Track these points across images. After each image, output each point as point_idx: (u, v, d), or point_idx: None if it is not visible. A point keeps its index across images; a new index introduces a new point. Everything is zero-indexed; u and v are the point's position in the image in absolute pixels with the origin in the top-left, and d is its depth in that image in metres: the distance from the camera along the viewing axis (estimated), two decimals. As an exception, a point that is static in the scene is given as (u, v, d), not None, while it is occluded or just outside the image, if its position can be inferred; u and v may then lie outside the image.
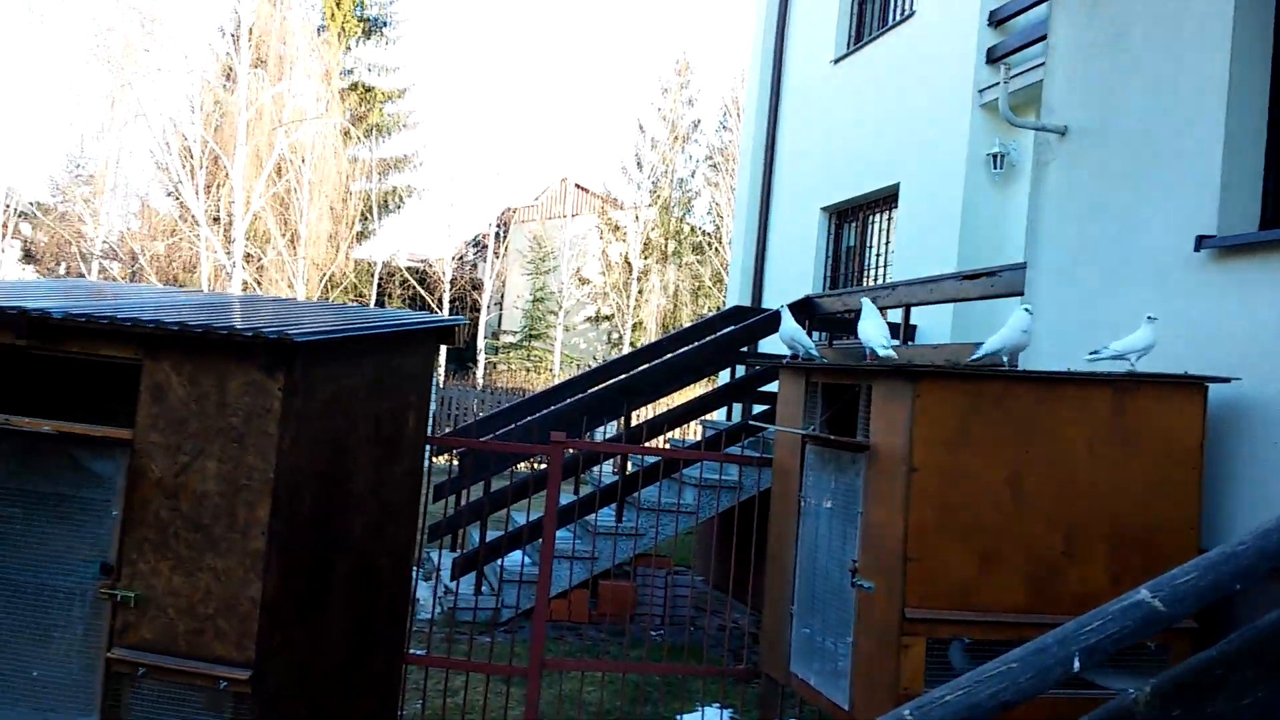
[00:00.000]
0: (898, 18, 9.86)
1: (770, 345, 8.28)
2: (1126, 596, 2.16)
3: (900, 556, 3.77)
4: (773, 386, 7.84)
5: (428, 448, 4.96)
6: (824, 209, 10.75)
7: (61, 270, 25.27)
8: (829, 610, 4.32)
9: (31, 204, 27.05)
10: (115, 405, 3.82)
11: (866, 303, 4.98)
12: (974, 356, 4.49)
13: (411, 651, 4.99)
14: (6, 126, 25.11)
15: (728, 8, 55.39)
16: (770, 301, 11.23)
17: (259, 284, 22.77)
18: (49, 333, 3.54)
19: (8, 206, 25.43)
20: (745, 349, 8.06)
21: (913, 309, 7.48)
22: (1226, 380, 3.88)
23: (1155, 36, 4.55)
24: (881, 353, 4.40)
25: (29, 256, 28.85)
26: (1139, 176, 4.57)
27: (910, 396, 3.80)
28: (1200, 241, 4.12)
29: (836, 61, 10.75)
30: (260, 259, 23.07)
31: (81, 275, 23.40)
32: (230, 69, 22.30)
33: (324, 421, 3.82)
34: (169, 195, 23.83)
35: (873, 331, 4.61)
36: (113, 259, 23.98)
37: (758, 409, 8.19)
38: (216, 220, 21.68)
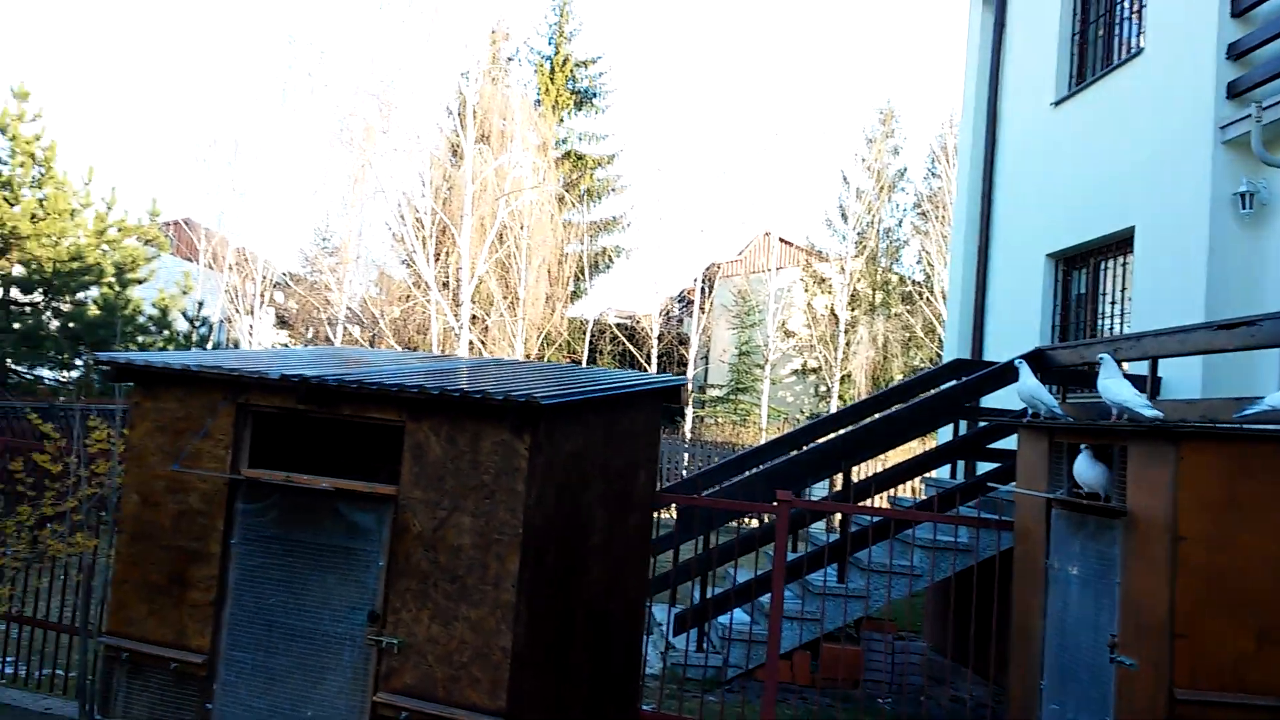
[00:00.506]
0: (1123, 56, 9.39)
1: (996, 400, 7.94)
2: None
3: (1167, 632, 3.50)
4: (1004, 444, 7.51)
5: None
6: (1050, 255, 10.26)
7: (310, 334, 27.65)
8: (1083, 687, 4.05)
9: (285, 274, 29.87)
10: (367, 463, 4.13)
11: (1108, 358, 4.70)
12: (1244, 413, 4.14)
13: (642, 707, 5.06)
14: (265, 206, 27.89)
15: (932, 53, 54.28)
16: (992, 354, 10.78)
17: (483, 344, 24.06)
18: (325, 398, 3.90)
19: (265, 277, 28.20)
20: (969, 405, 7.76)
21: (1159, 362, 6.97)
22: None
23: None
24: (1147, 413, 4.11)
25: (282, 322, 31.78)
26: None
27: (1173, 459, 3.54)
28: None
29: (1057, 104, 10.33)
30: (484, 320, 24.40)
31: (329, 339, 25.55)
32: (456, 145, 23.92)
33: (564, 479, 3.99)
34: (403, 263, 25.69)
35: (1125, 390, 4.33)
36: (355, 323, 26.07)
37: (982, 467, 7.84)
38: (445, 285, 23.16)
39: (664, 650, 6.42)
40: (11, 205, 14.96)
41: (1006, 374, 7.12)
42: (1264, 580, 3.50)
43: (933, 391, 8.19)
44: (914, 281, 30.87)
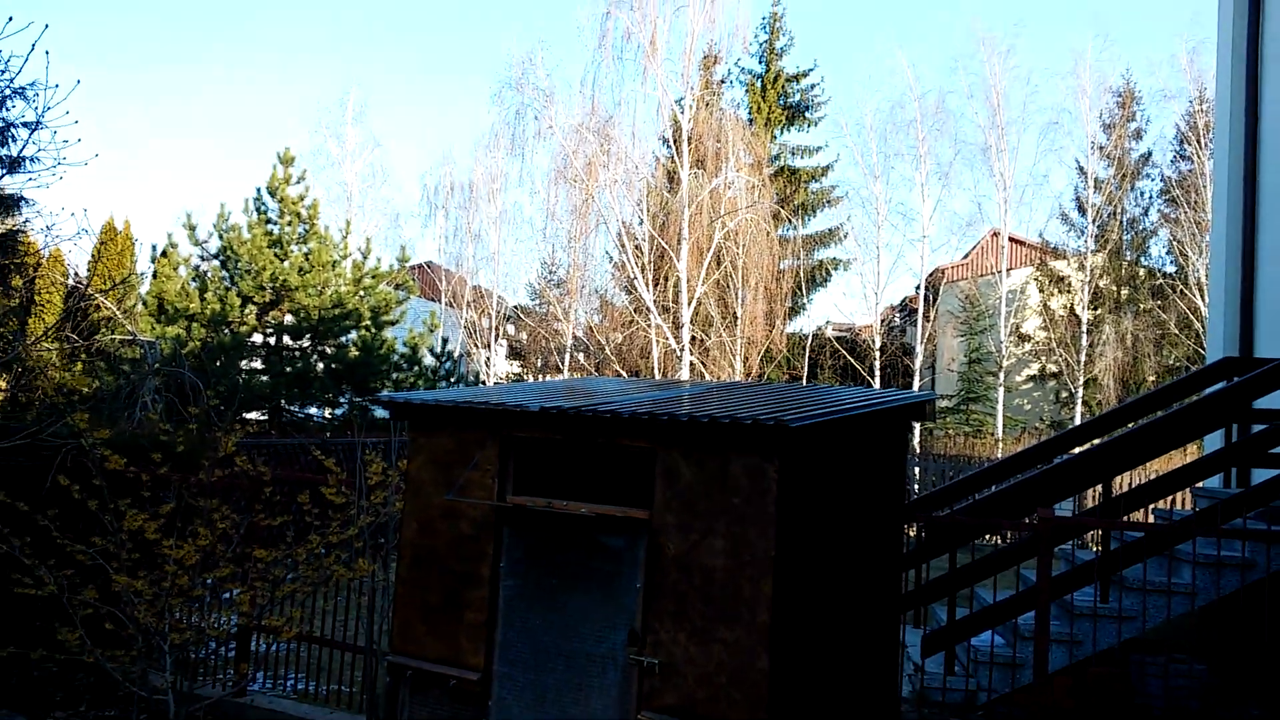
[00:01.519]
0: None
1: (1273, 400, 7.21)
2: None
3: None
4: (1289, 449, 6.81)
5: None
6: (1330, 238, 9.23)
7: (540, 364, 28.97)
8: None
9: (515, 308, 31.49)
10: (617, 490, 4.28)
11: None
12: None
13: (899, 731, 4.94)
14: (498, 248, 29.55)
15: (1174, 26, 50.21)
16: (1265, 349, 9.77)
17: (704, 364, 24.36)
18: (581, 427, 4.10)
19: (498, 312, 29.85)
20: (1246, 407, 7.09)
21: None
22: None
23: None
24: None
25: (514, 353, 33.49)
26: None
27: None
28: None
29: (1332, 67, 9.30)
30: (704, 341, 24.71)
31: (558, 367, 26.68)
32: (673, 172, 24.43)
33: (814, 500, 3.98)
34: (624, 290, 26.46)
35: None
36: (581, 350, 27.10)
37: (1258, 475, 7.13)
38: (665, 309, 23.66)
39: (913, 673, 6.24)
40: (282, 260, 16.67)
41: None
42: None
43: (1200, 394, 7.54)
44: (1164, 274, 28.50)
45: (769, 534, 3.67)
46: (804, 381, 27.41)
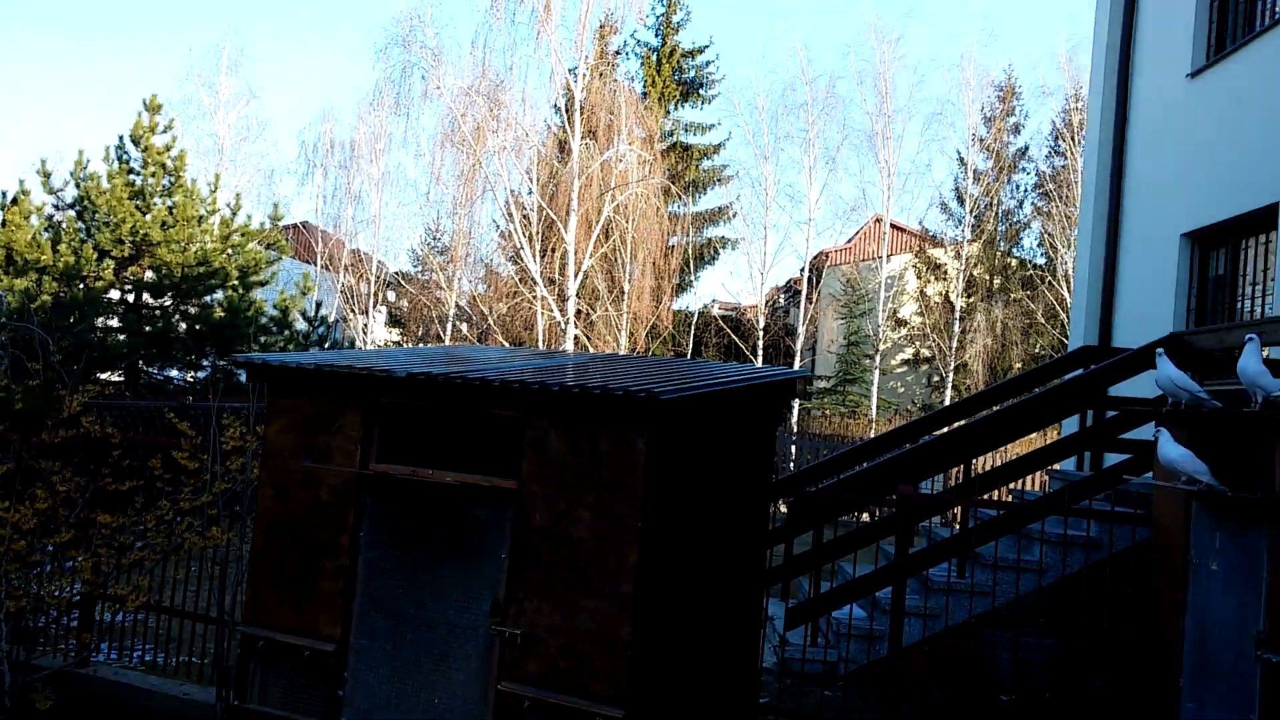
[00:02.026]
0: (1269, 21, 8.84)
1: (1126, 388, 7.59)
2: None
3: (1325, 632, 3.29)
4: (1136, 434, 7.17)
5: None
6: (1184, 235, 9.76)
7: (421, 332, 28.40)
8: (1227, 685, 3.84)
9: (396, 274, 30.73)
10: (487, 459, 4.19)
11: (1254, 340, 4.43)
12: None
13: (759, 700, 5.01)
14: (378, 207, 28.74)
15: (1054, 25, 52.32)
16: (1122, 339, 10.31)
17: (589, 338, 24.29)
18: (449, 394, 3.98)
19: (378, 277, 29.08)
20: (1098, 394, 7.44)
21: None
22: None
23: None
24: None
25: (395, 321, 32.73)
26: None
27: (1332, 449, 3.32)
28: None
29: (1194, 75, 9.80)
30: (590, 315, 24.62)
31: (439, 336, 26.18)
32: (564, 142, 24.17)
33: (683, 473, 3.97)
34: (510, 260, 26.12)
35: (1266, 376, 4.08)
36: (464, 320, 26.66)
37: (1109, 459, 7.51)
38: (552, 281, 23.46)
39: (777, 644, 6.35)
40: (144, 213, 15.78)
41: (1141, 361, 6.80)
42: None
43: (1059, 380, 7.89)
44: (1035, 265, 29.77)
45: (636, 506, 3.64)
46: (689, 358, 27.67)
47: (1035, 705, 6.01)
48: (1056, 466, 8.80)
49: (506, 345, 22.43)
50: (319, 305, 18.63)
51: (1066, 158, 28.03)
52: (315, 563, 4.10)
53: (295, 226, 29.69)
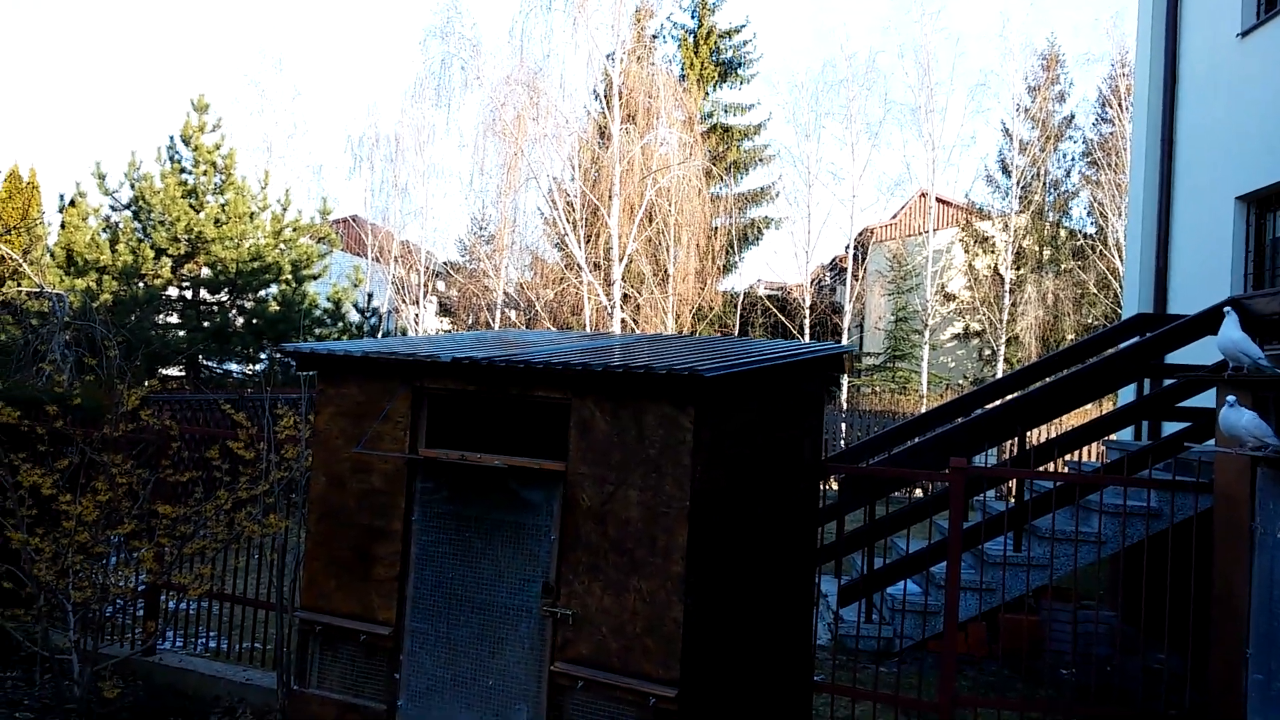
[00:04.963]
0: (1322, -26, 8.52)
1: (1181, 356, 7.41)
2: None
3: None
4: (1195, 401, 7.00)
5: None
6: (1240, 198, 9.47)
7: (470, 320, 28.61)
8: (1297, 658, 3.74)
9: (445, 264, 30.98)
10: (538, 441, 4.21)
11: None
12: None
13: (814, 678, 4.99)
14: (426, 199, 28.98)
15: (1096, -8, 50.97)
16: (1177, 306, 10.05)
17: (635, 322, 24.29)
18: (495, 378, 4.00)
19: (427, 268, 29.33)
20: (1155, 362, 7.27)
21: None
22: None
23: None
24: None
25: (444, 310, 33.01)
26: None
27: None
28: None
29: (1244, 34, 9.49)
30: (636, 298, 24.62)
31: (488, 323, 26.37)
32: (604, 127, 24.13)
33: (729, 450, 3.95)
34: (556, 246, 26.18)
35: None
36: (512, 307, 26.81)
37: (1169, 428, 7.34)
38: (597, 266, 23.48)
39: (831, 622, 6.32)
40: (197, 211, 16.09)
41: (1203, 326, 6.62)
42: None
43: (1114, 349, 7.72)
44: (1085, 235, 29.13)
45: (684, 484, 3.63)
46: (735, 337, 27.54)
47: (1097, 679, 5.90)
48: (1113, 437, 8.63)
49: (554, 330, 22.54)
50: (370, 296, 18.87)
51: (1114, 124, 27.35)
52: (369, 548, 4.16)
53: (344, 220, 30.07)
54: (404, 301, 28.57)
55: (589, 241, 23.46)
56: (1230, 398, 4.08)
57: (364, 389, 4.31)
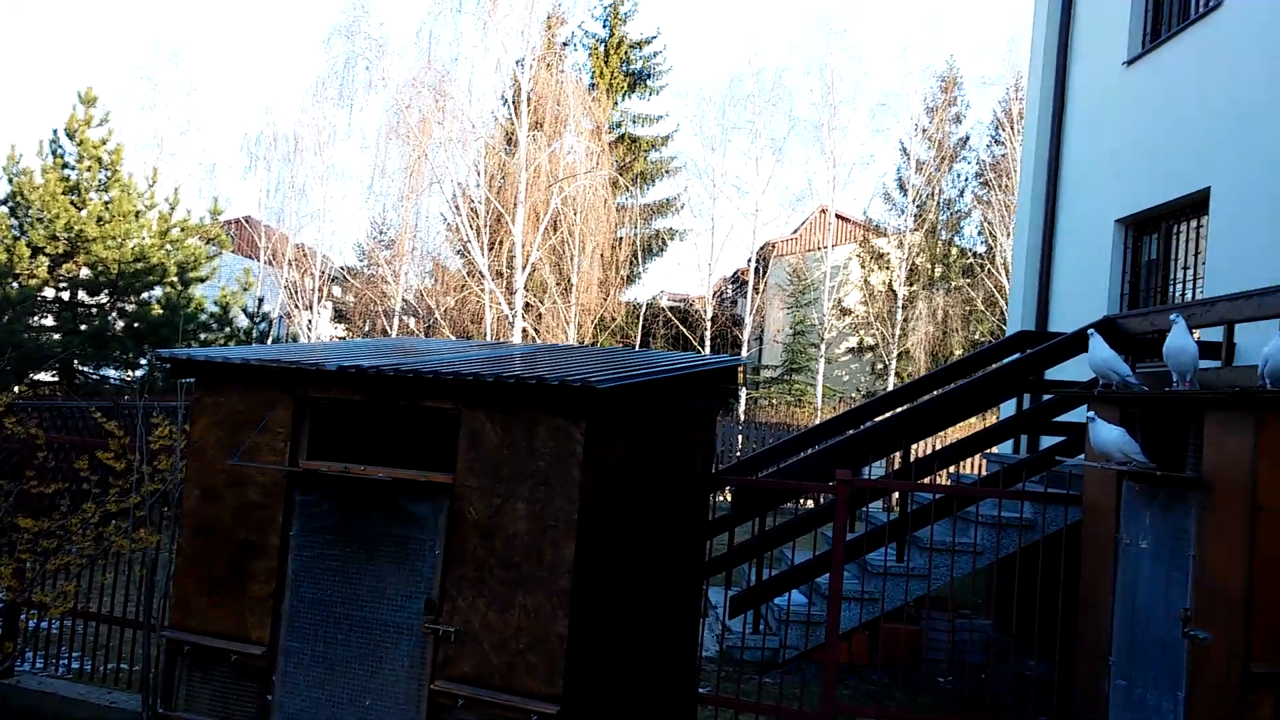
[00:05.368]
0: (1201, 9, 9.01)
1: (1059, 372, 7.71)
2: None
3: (1243, 605, 3.36)
4: (1071, 417, 7.29)
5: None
6: (1119, 221, 9.94)
7: (367, 327, 28.05)
8: (1153, 663, 3.91)
9: (342, 269, 30.30)
10: (431, 452, 4.13)
11: (1179, 321, 4.51)
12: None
13: (699, 689, 5.01)
14: (323, 201, 28.28)
15: (995, 16, 53.00)
16: (1058, 324, 10.48)
17: (537, 331, 24.16)
18: (382, 388, 3.90)
19: (323, 272, 28.64)
20: (1034, 378, 7.55)
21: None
22: None
23: None
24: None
25: (340, 316, 32.27)
26: None
27: (1253, 427, 3.38)
28: None
29: (1129, 63, 9.97)
30: (538, 308, 24.50)
31: (385, 331, 25.87)
32: (511, 133, 23.97)
33: (621, 462, 3.94)
34: (458, 253, 25.88)
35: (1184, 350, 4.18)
36: (410, 314, 26.36)
37: (1047, 441, 7.63)
38: (500, 274, 23.28)
39: (720, 633, 6.36)
40: (79, 209, 15.36)
41: (1075, 345, 6.90)
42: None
43: (996, 365, 7.99)
44: (975, 254, 30.22)
45: (573, 497, 3.61)
46: (636, 349, 27.67)
47: (972, 686, 6.09)
48: (994, 450, 8.92)
49: (453, 338, 22.25)
50: (261, 301, 18.31)
51: (1006, 146, 28.45)
52: (244, 564, 4.01)
53: (237, 221, 29.14)
54: (297, 307, 27.81)
55: (492, 249, 23.25)
56: (1091, 414, 4.26)
57: (244, 398, 4.15)
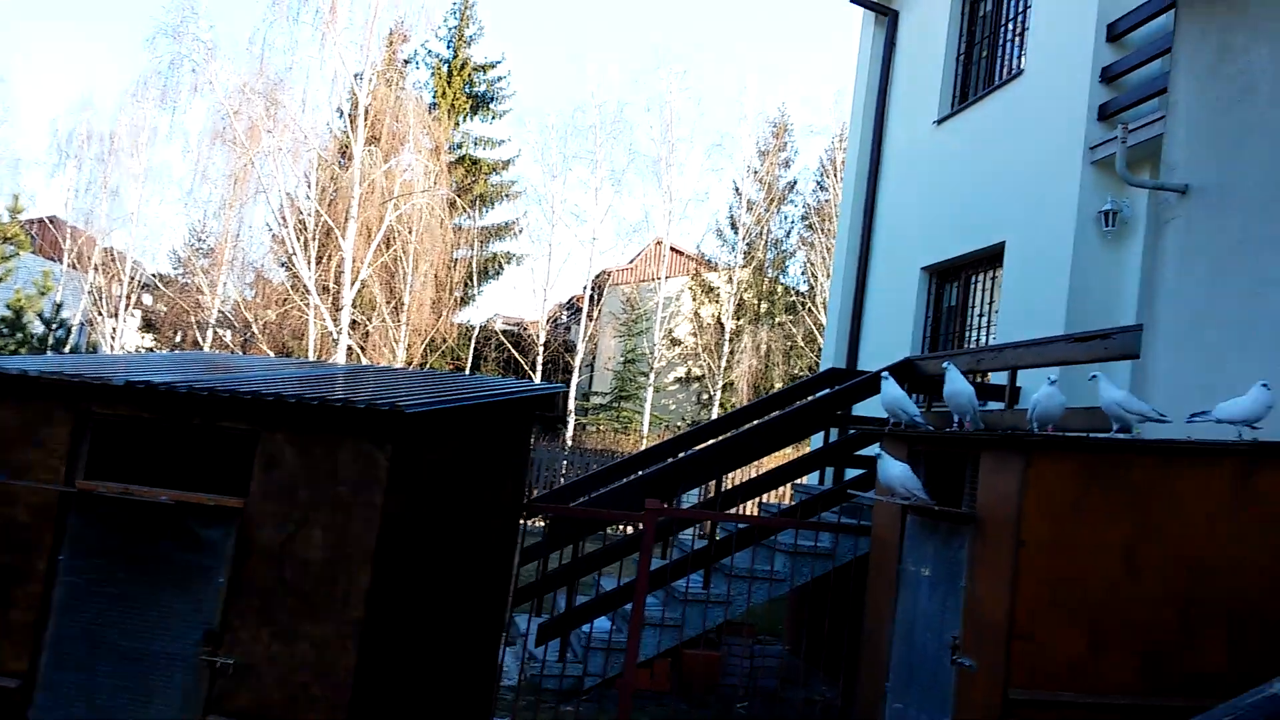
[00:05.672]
0: (1005, 77, 9.78)
1: (866, 408, 8.13)
2: (1260, 690, 2.02)
3: (1005, 633, 3.62)
4: (870, 450, 7.69)
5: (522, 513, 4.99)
6: (924, 269, 10.61)
7: (178, 338, 26.53)
8: (926, 687, 4.16)
9: (154, 275, 28.58)
10: (218, 475, 3.96)
11: (951, 366, 4.87)
12: (1193, 421, 4.15)
13: (495, 719, 4.97)
14: (139, 205, 26.65)
15: (826, 68, 55.70)
16: (866, 363, 11.06)
17: (363, 350, 23.50)
18: (175, 405, 3.71)
19: (133, 278, 26.93)
20: (841, 413, 7.94)
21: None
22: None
23: None
24: (970, 420, 4.28)
25: (149, 325, 30.38)
26: (1268, 236, 4.37)
27: (1021, 467, 3.67)
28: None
29: (939, 122, 10.69)
30: (366, 326, 23.84)
31: (197, 343, 24.54)
32: (346, 147, 23.34)
33: (428, 489, 3.89)
34: (283, 265, 24.90)
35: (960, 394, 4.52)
36: (227, 327, 25.11)
37: (851, 473, 8.03)
38: (326, 290, 22.54)
39: (525, 661, 6.33)
40: None
41: (875, 384, 7.30)
42: (1100, 585, 3.64)
43: (806, 400, 8.35)
44: (798, 292, 31.52)
45: (373, 524, 3.53)
46: (467, 372, 27.32)
47: (767, 710, 6.28)
48: (803, 481, 9.29)
49: (271, 355, 21.36)
50: (59, 306, 17.09)
51: (830, 193, 29.89)
52: (5, 590, 3.70)
53: (40, 221, 27.04)
54: (101, 314, 26.02)
55: (320, 263, 22.50)
56: (879, 450, 4.52)
57: (19, 412, 3.85)
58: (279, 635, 3.48)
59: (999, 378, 7.82)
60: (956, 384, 4.69)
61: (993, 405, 7.58)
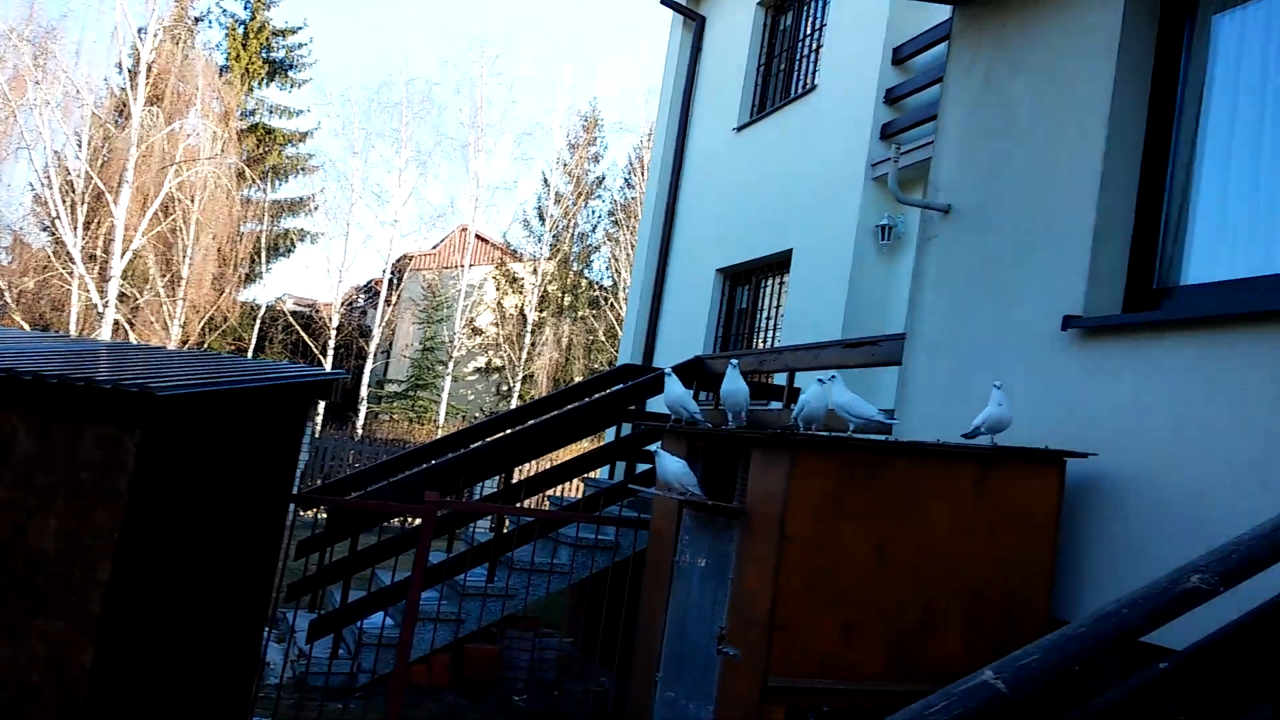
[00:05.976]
0: (799, 91, 10.20)
1: (658, 405, 8.31)
2: (972, 678, 2.19)
3: (767, 624, 3.77)
4: (655, 446, 7.87)
5: (291, 505, 4.78)
6: (719, 270, 10.94)
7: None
8: (697, 678, 4.29)
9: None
10: None
11: (732, 367, 5.06)
12: (969, 430, 4.42)
13: (256, 718, 4.75)
14: None
15: (639, 69, 56.52)
16: (662, 359, 11.31)
17: (131, 325, 21.84)
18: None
19: None
20: (632, 408, 8.07)
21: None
22: (1084, 455, 4.01)
23: (1038, 124, 4.76)
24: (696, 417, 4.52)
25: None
26: (1015, 257, 4.74)
27: (787, 465, 3.83)
28: (1067, 321, 4.26)
29: (739, 129, 11.03)
30: (137, 300, 22.17)
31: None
32: (125, 105, 21.61)
33: (181, 478, 3.65)
34: (45, 230, 22.79)
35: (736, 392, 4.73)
36: (-26, 293, 22.73)
37: (642, 468, 8.18)
38: (93, 258, 20.79)
39: (295, 658, 6.07)
40: None
41: (659, 382, 7.47)
42: (854, 578, 3.86)
43: (599, 395, 8.43)
44: (602, 287, 31.83)
45: (117, 514, 3.29)
46: (250, 355, 25.90)
47: (546, 703, 6.31)
48: (594, 475, 9.39)
49: (26, 327, 19.49)
50: None
51: (636, 190, 30.39)
52: None
53: None
54: None
55: (88, 229, 20.72)
56: (657, 446, 4.63)
57: None
58: (6, 632, 3.19)
59: (782, 378, 8.18)
60: (734, 383, 4.86)
61: (774, 405, 7.92)
